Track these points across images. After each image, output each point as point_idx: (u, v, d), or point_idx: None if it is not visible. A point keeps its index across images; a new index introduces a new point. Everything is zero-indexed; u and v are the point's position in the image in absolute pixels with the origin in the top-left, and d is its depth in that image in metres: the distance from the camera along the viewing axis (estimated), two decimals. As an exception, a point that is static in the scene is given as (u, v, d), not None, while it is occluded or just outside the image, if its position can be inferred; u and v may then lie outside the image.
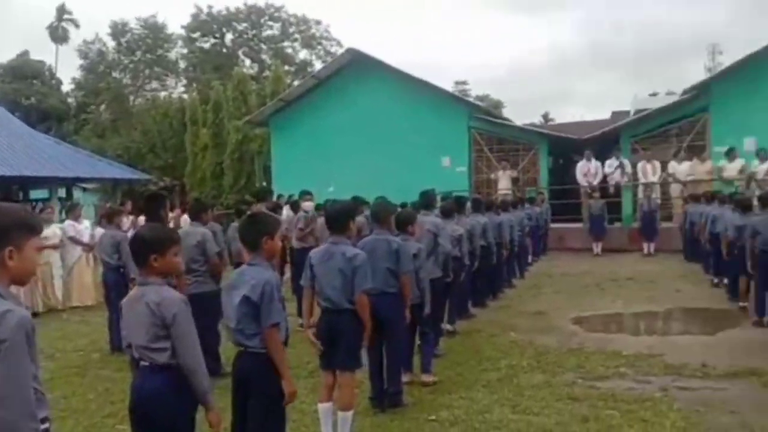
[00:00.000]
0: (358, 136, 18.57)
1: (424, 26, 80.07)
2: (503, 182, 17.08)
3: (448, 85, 30.38)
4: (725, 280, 9.69)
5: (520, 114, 48.30)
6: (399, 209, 7.30)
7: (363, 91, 18.79)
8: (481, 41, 79.97)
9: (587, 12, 74.67)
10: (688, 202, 13.47)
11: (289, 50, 42.31)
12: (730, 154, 14.41)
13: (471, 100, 26.46)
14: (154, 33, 40.04)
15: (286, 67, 37.39)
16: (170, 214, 10.88)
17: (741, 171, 14.23)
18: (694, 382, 5.71)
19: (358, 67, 18.92)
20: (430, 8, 77.23)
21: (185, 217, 9.28)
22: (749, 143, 14.79)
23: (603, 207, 15.27)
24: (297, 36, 42.25)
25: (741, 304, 8.50)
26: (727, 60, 30.86)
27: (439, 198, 9.61)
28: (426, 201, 7.67)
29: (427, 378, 5.90)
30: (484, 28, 78.06)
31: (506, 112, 35.89)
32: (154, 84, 41.82)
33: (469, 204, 9.67)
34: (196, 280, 6.16)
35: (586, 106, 62.51)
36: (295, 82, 28.91)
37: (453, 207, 8.16)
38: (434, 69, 55.69)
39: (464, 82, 47.20)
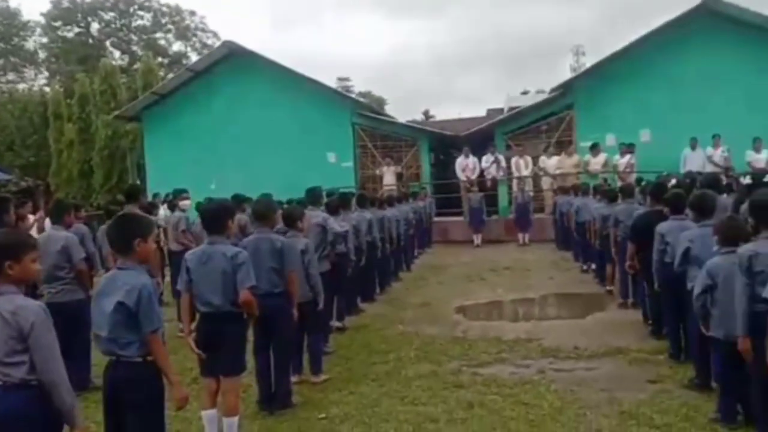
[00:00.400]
0: (239, 131, 18.05)
1: (305, 21, 79.44)
2: (388, 178, 17.36)
3: (330, 81, 30.28)
4: (593, 266, 10.42)
5: (402, 111, 49.28)
6: (285, 206, 7.18)
7: (242, 85, 18.27)
8: (363, 38, 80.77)
9: (463, 13, 77.59)
10: (558, 194, 14.35)
11: (162, 42, 40.29)
12: (594, 149, 15.52)
13: (354, 96, 26.57)
14: (8, 20, 36.57)
15: (159, 59, 35.56)
16: (32, 217, 9.99)
17: (604, 164, 15.37)
18: (568, 364, 6.07)
19: (236, 60, 18.37)
20: (312, 4, 76.83)
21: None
22: (610, 138, 16.02)
23: (481, 200, 15.92)
24: (170, 27, 40.32)
25: (608, 288, 9.15)
26: (589, 60, 33.23)
27: (325, 194, 9.56)
28: (312, 197, 7.60)
29: (316, 379, 5.82)
30: (366, 25, 78.83)
31: (388, 109, 36.52)
32: (11, 76, 38.22)
33: (354, 200, 9.71)
34: (63, 288, 5.72)
35: (463, 103, 65.04)
36: (169, 75, 27.56)
37: (338, 203, 8.14)
38: (316, 64, 55.40)
39: (347, 79, 47.43)
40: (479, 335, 7.28)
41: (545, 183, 16.62)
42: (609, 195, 9.27)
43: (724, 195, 7.64)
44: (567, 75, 33.04)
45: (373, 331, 7.71)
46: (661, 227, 5.75)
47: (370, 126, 18.39)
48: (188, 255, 4.59)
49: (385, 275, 10.50)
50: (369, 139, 18.21)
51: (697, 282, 4.54)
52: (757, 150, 14.36)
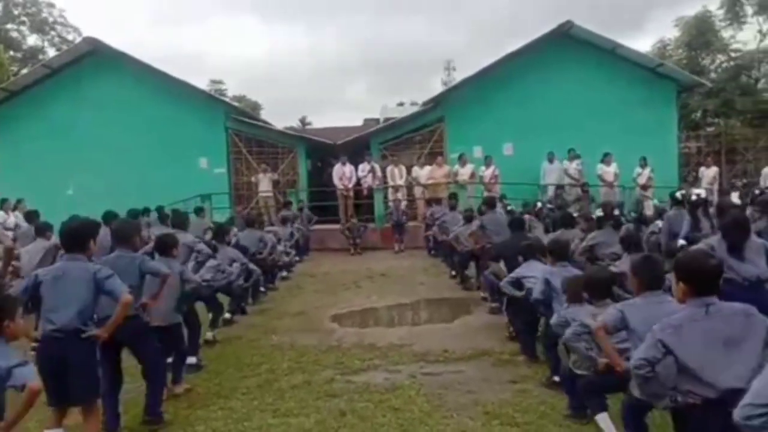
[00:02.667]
0: (101, 133, 16.95)
1: (176, 22, 76.24)
2: (264, 184, 17.10)
3: (202, 84, 29.30)
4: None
5: (278, 117, 48.84)
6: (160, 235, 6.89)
7: (105, 85, 17.21)
8: (238, 41, 78.83)
9: (339, 23, 78.22)
10: (431, 204, 14.88)
11: (15, 34, 36.85)
12: (461, 160, 16.28)
13: (227, 100, 25.89)
14: None
15: (12, 53, 32.53)
16: None
17: (471, 175, 16.14)
18: (437, 367, 6.28)
19: (99, 58, 17.26)
20: (183, 4, 73.98)
21: None
22: (477, 151, 16.85)
23: (358, 228, 16.07)
24: (24, 19, 37.00)
25: (482, 294, 9.49)
26: (459, 76, 34.83)
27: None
28: (179, 222, 7.48)
29: (178, 389, 5.63)
30: (241, 28, 77.13)
31: (264, 114, 35.93)
32: None
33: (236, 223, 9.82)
34: None
35: (340, 112, 65.53)
36: (24, 71, 25.32)
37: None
38: (188, 66, 53.30)
39: (220, 82, 45.82)
40: (354, 343, 7.34)
41: (418, 192, 17.14)
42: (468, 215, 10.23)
43: (577, 229, 8.33)
44: (439, 89, 34.38)
45: (245, 343, 7.52)
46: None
47: (245, 131, 17.99)
48: (41, 271, 4.26)
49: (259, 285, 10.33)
50: (243, 145, 17.81)
51: (535, 288, 5.33)
52: (607, 164, 15.76)
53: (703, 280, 3.02)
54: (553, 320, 4.78)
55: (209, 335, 7.43)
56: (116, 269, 4.69)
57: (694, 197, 7.65)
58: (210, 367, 6.50)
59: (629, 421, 3.78)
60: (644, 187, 15.70)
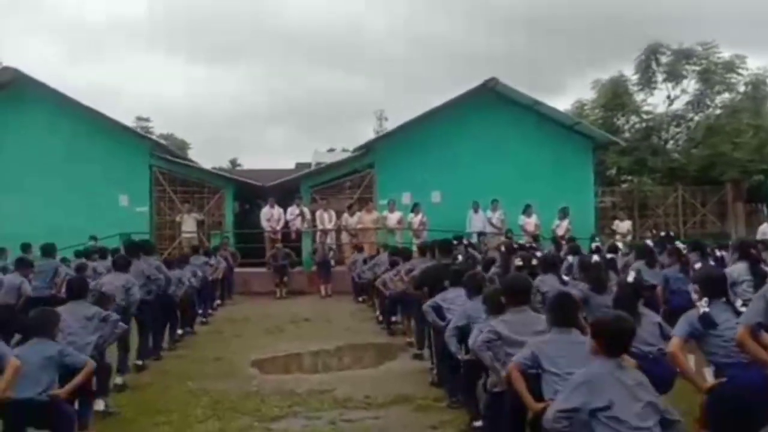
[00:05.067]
0: (16, 169, 16.14)
1: (105, 60, 74.43)
2: (188, 224, 16.68)
3: (128, 121, 28.48)
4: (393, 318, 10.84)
5: (208, 157, 48.07)
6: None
7: (23, 116, 16.48)
8: (168, 80, 77.45)
9: (273, 66, 78.39)
10: (360, 250, 14.98)
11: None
12: (390, 206, 16.48)
13: (153, 137, 25.33)
14: None
15: None
16: None
17: (400, 221, 16.34)
18: (358, 414, 6.17)
19: (19, 89, 16.55)
20: (112, 43, 72.51)
21: None
22: (406, 197, 17.12)
23: (286, 253, 15.88)
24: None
25: (408, 339, 9.46)
26: (391, 125, 35.54)
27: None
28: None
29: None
30: (173, 67, 75.93)
31: (193, 154, 35.35)
32: None
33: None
34: None
35: (273, 154, 64.87)
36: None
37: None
38: (113, 104, 51.82)
39: (147, 119, 44.71)
40: (273, 389, 7.14)
41: (345, 237, 17.16)
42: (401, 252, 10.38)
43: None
44: (371, 137, 34.95)
45: (158, 390, 7.18)
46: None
47: (170, 169, 17.57)
48: None
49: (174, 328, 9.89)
50: (168, 184, 17.35)
51: (453, 320, 5.44)
52: (528, 215, 16.33)
53: (617, 342, 3.25)
54: (473, 336, 4.80)
55: (119, 380, 7.05)
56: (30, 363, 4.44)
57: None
58: (120, 414, 6.14)
59: None
60: (562, 239, 16.30)
